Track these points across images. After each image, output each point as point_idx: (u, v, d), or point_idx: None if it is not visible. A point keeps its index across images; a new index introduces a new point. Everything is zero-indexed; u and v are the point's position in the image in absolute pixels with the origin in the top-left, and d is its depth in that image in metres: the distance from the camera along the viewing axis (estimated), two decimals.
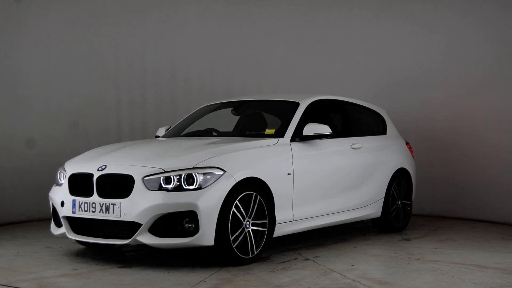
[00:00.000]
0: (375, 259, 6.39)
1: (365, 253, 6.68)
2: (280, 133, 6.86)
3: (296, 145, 6.79)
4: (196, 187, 5.75)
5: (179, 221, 5.72)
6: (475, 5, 9.35)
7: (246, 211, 6.02)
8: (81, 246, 6.92)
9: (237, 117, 7.89)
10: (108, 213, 5.85)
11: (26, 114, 8.97)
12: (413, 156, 8.78)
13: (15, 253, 6.57)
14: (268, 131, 6.98)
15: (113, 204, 5.83)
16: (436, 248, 7.02)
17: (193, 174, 5.78)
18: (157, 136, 7.76)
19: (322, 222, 7.05)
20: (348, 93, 9.23)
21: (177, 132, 7.66)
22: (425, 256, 6.53)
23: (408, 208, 8.44)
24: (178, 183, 5.76)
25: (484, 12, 9.28)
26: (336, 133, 7.63)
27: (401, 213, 8.26)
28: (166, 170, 5.81)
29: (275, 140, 6.70)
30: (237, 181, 5.94)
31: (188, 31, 10.24)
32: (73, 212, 6.09)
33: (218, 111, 8.01)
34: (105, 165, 6.06)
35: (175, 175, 5.77)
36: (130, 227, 5.78)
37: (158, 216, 5.70)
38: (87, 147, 7.14)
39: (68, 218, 6.18)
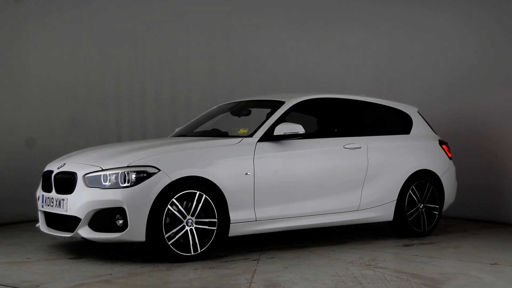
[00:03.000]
0: (325, 262, 6.16)
1: (327, 257, 6.47)
2: (252, 133, 6.86)
3: (265, 145, 6.75)
4: (129, 184, 6.03)
5: (112, 217, 6.04)
6: None
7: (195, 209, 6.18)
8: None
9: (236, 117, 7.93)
10: (59, 207, 6.33)
11: (26, 114, 9.12)
12: (450, 158, 8.21)
13: (13, 242, 7.28)
14: (242, 130, 7.01)
15: (63, 200, 6.30)
16: (414, 256, 6.58)
17: (125, 172, 6.06)
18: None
19: (298, 223, 6.89)
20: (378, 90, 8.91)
21: (184, 133, 7.89)
22: (381, 263, 6.16)
23: (435, 213, 7.90)
24: (115, 181, 6.07)
25: None
26: (328, 133, 7.43)
27: (423, 218, 7.76)
28: (103, 169, 6.16)
29: (237, 139, 6.73)
30: (173, 179, 6.10)
31: (188, 31, 10.23)
32: (42, 207, 6.66)
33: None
34: (64, 163, 6.56)
35: (110, 173, 6.10)
36: (75, 221, 6.20)
37: (94, 211, 6.06)
38: (86, 147, 7.53)
39: (44, 213, 6.75)
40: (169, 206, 6.08)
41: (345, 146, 7.28)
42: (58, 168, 6.53)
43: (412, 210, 7.70)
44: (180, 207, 6.14)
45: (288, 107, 7.17)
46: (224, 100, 8.51)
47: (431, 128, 8.30)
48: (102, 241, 6.13)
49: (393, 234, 7.88)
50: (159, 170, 6.10)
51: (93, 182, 6.14)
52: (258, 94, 8.99)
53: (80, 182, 6.19)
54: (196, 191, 6.21)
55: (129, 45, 10.00)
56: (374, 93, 8.55)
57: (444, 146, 8.19)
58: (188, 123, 8.13)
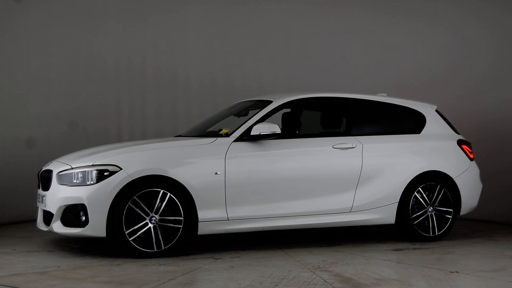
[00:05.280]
0: (281, 264, 6.06)
1: (293, 258, 6.36)
2: (231, 132, 6.89)
3: (241, 145, 6.75)
4: (92, 182, 6.32)
5: (76, 213, 6.36)
6: None
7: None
8: None
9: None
10: (42, 203, 6.76)
11: (26, 114, 9.17)
12: (472, 159, 7.71)
13: (27, 235, 7.82)
14: (224, 130, 7.06)
15: (44, 196, 6.72)
16: (385, 260, 6.30)
17: (89, 171, 6.36)
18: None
19: (277, 224, 6.80)
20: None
21: (188, 133, 8.01)
22: (336, 266, 5.96)
23: (448, 217, 7.45)
24: (81, 179, 6.39)
25: None
26: (320, 133, 7.27)
27: (432, 221, 7.36)
28: (73, 167, 6.50)
29: (212, 139, 6.79)
30: (134, 178, 6.31)
31: (189, 31, 10.13)
32: (37, 203, 7.12)
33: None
34: (51, 162, 6.99)
35: (77, 172, 6.42)
36: (51, 217, 6.60)
37: (64, 207, 6.42)
38: (86, 147, 7.74)
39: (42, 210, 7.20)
40: (130, 203, 6.29)
41: (334, 146, 7.08)
42: (45, 166, 6.97)
43: (418, 213, 7.32)
44: (142, 204, 6.32)
45: (274, 107, 7.12)
46: (224, 104, 8.54)
47: (451, 127, 7.84)
48: (69, 235, 6.47)
49: (403, 238, 7.53)
50: (121, 169, 6.32)
51: (64, 179, 6.49)
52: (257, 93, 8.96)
53: (54, 180, 6.57)
54: (159, 190, 6.37)
55: (129, 45, 10.02)
56: (393, 94, 8.23)
57: (464, 146, 7.70)
58: (198, 123, 8.28)
